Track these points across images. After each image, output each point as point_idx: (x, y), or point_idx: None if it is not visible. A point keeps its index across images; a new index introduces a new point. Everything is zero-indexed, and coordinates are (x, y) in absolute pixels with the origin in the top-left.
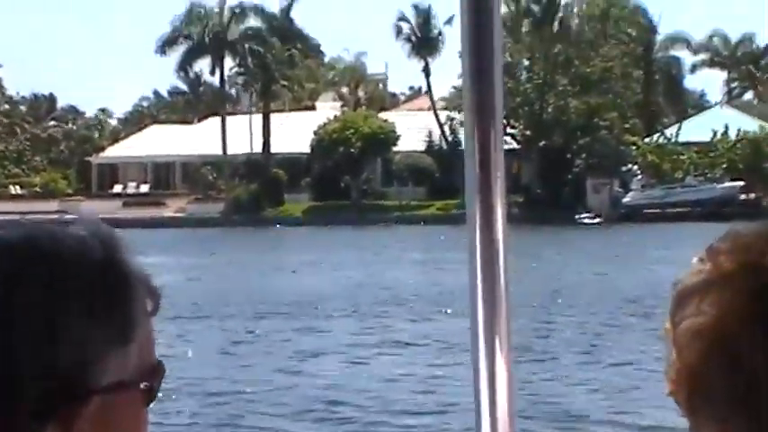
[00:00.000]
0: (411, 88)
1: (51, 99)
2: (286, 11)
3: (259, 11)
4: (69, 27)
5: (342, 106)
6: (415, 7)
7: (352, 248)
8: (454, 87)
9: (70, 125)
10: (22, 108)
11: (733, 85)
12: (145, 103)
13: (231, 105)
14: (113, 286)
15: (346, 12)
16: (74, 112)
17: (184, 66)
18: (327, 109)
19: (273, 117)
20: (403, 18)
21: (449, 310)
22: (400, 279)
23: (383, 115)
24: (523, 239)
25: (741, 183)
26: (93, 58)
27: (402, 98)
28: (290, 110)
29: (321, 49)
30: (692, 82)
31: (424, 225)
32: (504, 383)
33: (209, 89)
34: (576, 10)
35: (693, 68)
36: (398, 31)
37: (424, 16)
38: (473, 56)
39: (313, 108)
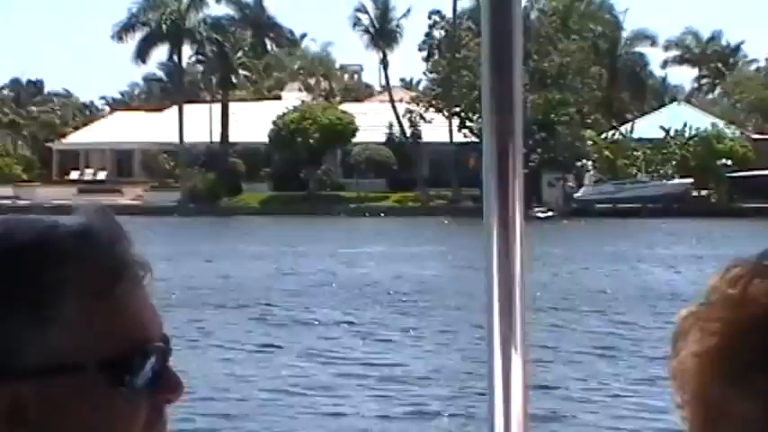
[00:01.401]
0: (402, 80)
1: (38, 84)
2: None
3: None
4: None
5: (313, 99)
6: None
7: (300, 239)
8: (427, 79)
9: (56, 109)
10: (5, 92)
11: (703, 81)
12: (136, 90)
13: (210, 94)
14: (30, 265)
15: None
16: (64, 96)
17: (141, 53)
18: (293, 99)
19: (236, 106)
20: (361, 9)
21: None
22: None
23: (345, 107)
24: (472, 233)
25: (689, 180)
26: (88, 44)
27: (379, 90)
28: (255, 99)
29: (294, 38)
30: (675, 78)
31: (380, 217)
32: (520, 383)
33: (200, 75)
34: (539, 5)
35: (665, 64)
36: (356, 22)
37: (382, 8)
38: (493, 66)
39: (279, 98)
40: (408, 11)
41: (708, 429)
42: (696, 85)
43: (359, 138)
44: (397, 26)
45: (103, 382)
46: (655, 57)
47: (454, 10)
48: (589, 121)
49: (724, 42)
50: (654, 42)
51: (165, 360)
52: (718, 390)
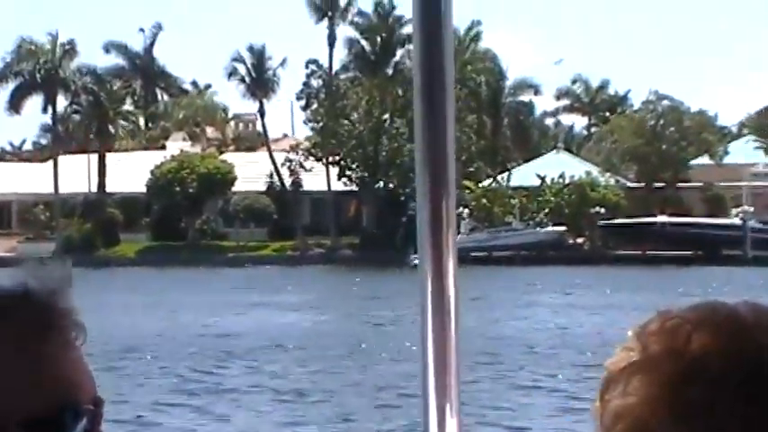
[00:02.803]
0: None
1: None
2: (149, 49)
3: (122, 48)
4: None
5: (204, 149)
6: (250, 48)
7: (171, 290)
8: (317, 128)
9: None
10: None
11: (592, 130)
12: (43, 141)
13: (87, 144)
14: None
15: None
16: None
17: (14, 103)
18: (177, 149)
19: (119, 156)
20: (237, 59)
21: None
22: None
23: (234, 156)
24: (349, 281)
25: (563, 227)
26: None
27: (278, 137)
28: (141, 149)
29: (198, 87)
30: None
31: (257, 266)
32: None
33: (75, 126)
34: None
35: (555, 113)
36: (231, 72)
37: (258, 57)
38: (426, 111)
39: (164, 148)
40: (284, 60)
41: None
42: (586, 133)
43: (242, 187)
44: (274, 75)
45: None
46: (549, 105)
47: (330, 59)
48: (471, 169)
49: (612, 91)
50: (537, 91)
51: (97, 422)
52: None
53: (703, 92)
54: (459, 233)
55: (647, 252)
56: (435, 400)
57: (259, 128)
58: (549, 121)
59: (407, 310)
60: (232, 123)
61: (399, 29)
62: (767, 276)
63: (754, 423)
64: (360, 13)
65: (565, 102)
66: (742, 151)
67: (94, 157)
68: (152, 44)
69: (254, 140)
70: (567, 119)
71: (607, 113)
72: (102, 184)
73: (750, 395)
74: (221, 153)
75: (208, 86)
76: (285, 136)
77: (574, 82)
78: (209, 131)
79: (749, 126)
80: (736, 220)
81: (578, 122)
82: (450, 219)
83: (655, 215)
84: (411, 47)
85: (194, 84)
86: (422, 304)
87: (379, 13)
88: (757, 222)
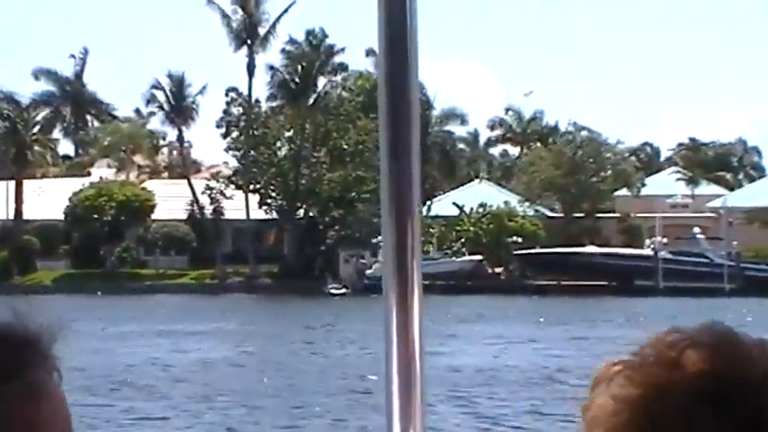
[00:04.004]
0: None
1: None
2: (79, 74)
3: (52, 75)
4: None
5: (138, 176)
6: (169, 75)
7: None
8: (237, 156)
9: None
10: None
11: (524, 159)
12: None
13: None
14: None
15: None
16: None
17: None
18: (105, 175)
19: (39, 183)
20: (157, 86)
21: None
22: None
23: (157, 183)
24: (263, 309)
25: (479, 257)
26: None
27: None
28: (70, 176)
29: (116, 113)
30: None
31: (175, 295)
32: None
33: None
34: (348, 83)
35: (489, 143)
36: (149, 99)
37: (178, 84)
38: (391, 140)
39: (89, 174)
40: (205, 87)
41: None
42: (518, 163)
43: (166, 215)
44: (194, 103)
45: None
46: (483, 135)
47: (249, 87)
48: None
49: (544, 122)
50: (464, 121)
51: None
52: None
53: (648, 121)
54: (376, 261)
55: (562, 282)
56: (400, 425)
57: (194, 155)
58: (494, 151)
59: (325, 337)
60: (165, 150)
61: (331, 58)
62: (676, 307)
63: None
64: (291, 41)
65: (498, 132)
66: (665, 182)
67: (12, 184)
68: (82, 70)
69: (186, 168)
70: (502, 149)
71: (538, 144)
72: (19, 211)
73: (728, 415)
74: (150, 179)
75: (152, 114)
76: (225, 163)
77: (507, 111)
78: (140, 158)
79: (677, 157)
80: (649, 251)
81: (513, 152)
82: (416, 247)
83: (583, 245)
84: (336, 77)
85: (137, 111)
86: (386, 332)
87: (310, 41)
88: (668, 253)
